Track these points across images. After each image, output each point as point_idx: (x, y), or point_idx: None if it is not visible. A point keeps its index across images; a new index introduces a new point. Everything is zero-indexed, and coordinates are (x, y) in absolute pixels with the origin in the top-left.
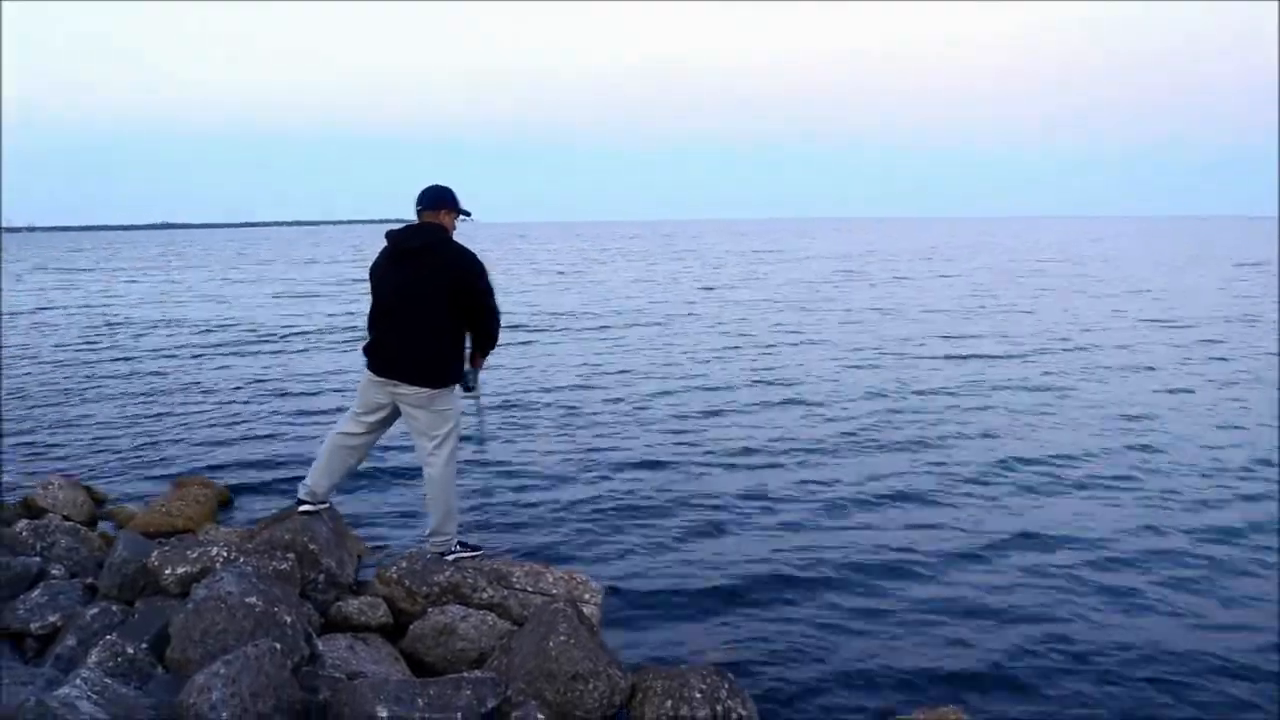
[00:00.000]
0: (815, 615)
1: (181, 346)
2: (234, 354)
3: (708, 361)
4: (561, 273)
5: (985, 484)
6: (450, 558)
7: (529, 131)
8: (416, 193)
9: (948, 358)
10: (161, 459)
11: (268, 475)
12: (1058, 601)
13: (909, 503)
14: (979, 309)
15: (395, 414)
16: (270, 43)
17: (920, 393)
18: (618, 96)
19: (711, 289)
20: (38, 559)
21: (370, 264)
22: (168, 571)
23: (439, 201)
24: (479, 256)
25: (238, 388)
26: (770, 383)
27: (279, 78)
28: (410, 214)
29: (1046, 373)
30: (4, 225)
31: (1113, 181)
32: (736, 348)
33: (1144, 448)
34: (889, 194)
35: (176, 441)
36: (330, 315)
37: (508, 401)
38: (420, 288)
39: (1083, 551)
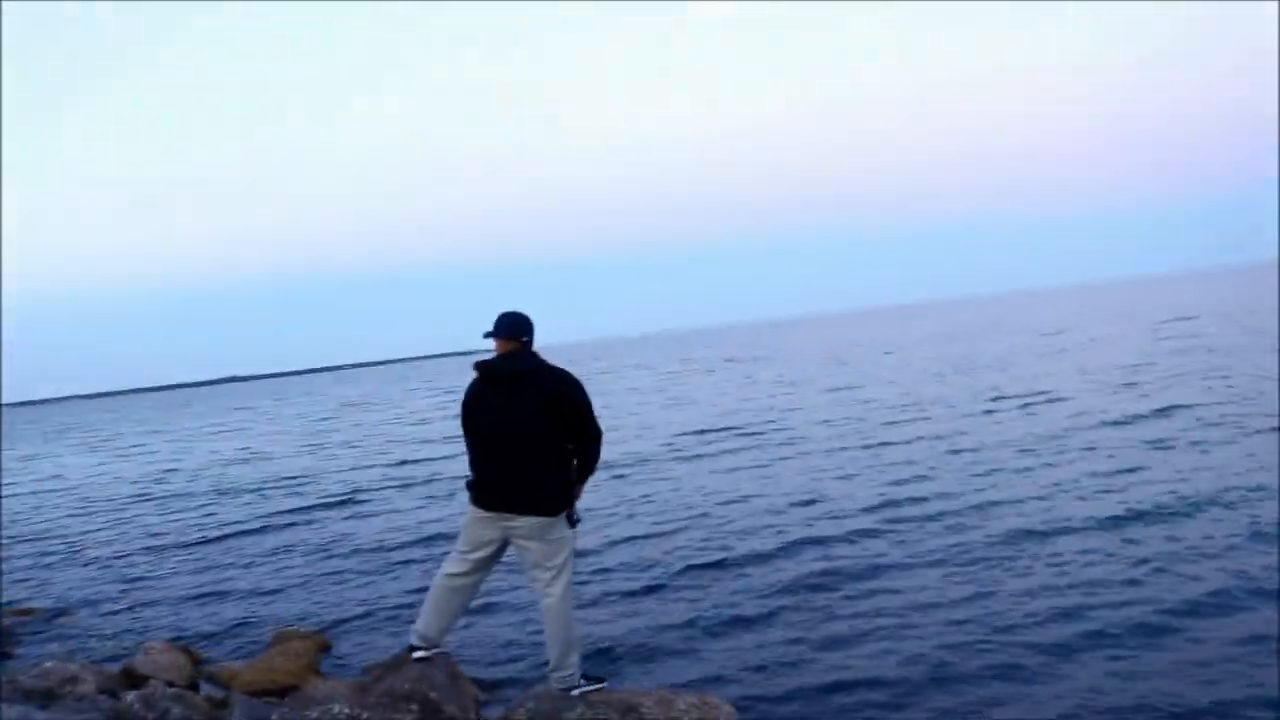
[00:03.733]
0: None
1: (260, 504)
2: (315, 506)
3: (849, 476)
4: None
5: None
6: (575, 692)
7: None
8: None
9: None
10: (250, 614)
11: (362, 618)
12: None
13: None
14: None
15: (502, 550)
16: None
17: None
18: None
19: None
20: None
21: (462, 399)
22: None
23: (520, 328)
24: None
25: (319, 542)
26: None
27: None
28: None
29: None
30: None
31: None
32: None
33: None
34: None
35: (264, 594)
36: (399, 465)
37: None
38: (524, 414)
39: None
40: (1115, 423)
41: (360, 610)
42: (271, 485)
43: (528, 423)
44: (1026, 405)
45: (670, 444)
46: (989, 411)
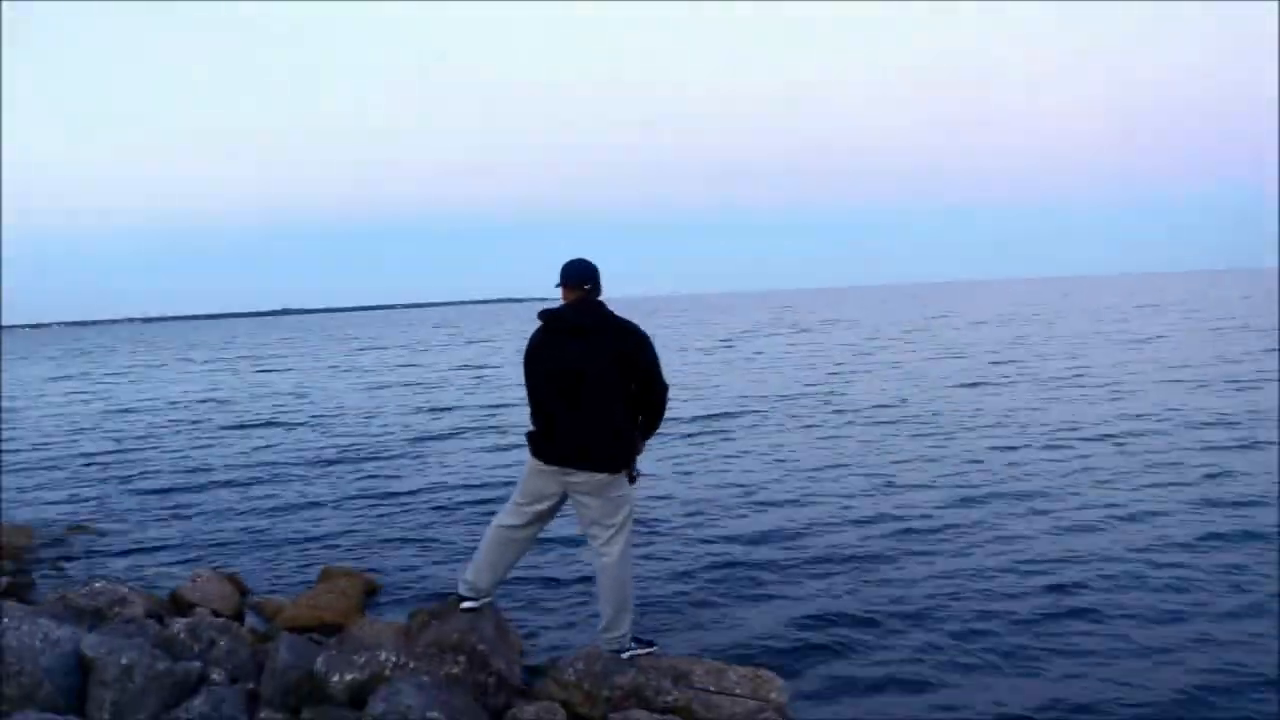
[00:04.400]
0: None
1: (314, 440)
2: (368, 446)
3: (906, 461)
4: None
5: None
6: (625, 655)
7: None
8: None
9: None
10: (298, 549)
11: (409, 561)
12: None
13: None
14: None
15: (560, 503)
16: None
17: None
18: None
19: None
20: (198, 663)
21: (525, 348)
22: (335, 678)
23: (584, 275)
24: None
25: (371, 483)
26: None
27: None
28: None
29: None
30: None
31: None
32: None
33: None
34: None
35: (313, 532)
36: (451, 409)
37: (681, 485)
38: (591, 366)
39: None
40: (1201, 424)
41: (408, 554)
42: (324, 422)
43: (594, 376)
44: (1108, 392)
45: (738, 407)
46: (1061, 399)
